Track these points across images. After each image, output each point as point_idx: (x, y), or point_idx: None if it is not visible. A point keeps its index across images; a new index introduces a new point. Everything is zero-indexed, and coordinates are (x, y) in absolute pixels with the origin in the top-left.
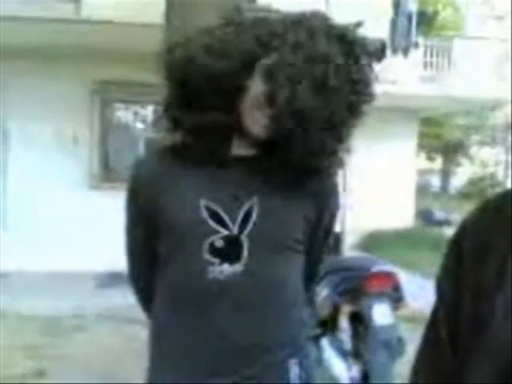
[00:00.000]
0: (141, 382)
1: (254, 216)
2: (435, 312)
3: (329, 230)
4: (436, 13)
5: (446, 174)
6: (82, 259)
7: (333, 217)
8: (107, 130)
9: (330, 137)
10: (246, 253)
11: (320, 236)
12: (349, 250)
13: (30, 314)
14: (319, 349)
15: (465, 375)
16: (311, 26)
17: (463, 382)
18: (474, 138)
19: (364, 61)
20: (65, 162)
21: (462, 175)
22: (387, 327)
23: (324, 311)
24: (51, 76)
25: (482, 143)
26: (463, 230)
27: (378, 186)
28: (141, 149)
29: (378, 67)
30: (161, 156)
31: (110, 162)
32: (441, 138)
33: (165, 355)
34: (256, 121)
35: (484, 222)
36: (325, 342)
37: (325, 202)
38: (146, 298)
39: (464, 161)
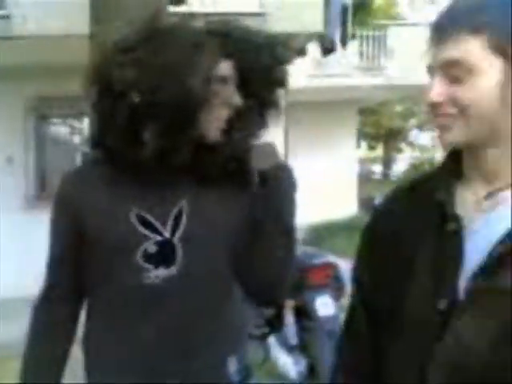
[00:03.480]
0: None
1: (184, 218)
2: (352, 307)
3: (283, 215)
4: (369, 3)
5: (387, 161)
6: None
7: (288, 203)
8: (43, 147)
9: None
10: (180, 255)
11: (272, 221)
12: (298, 245)
13: None
14: (266, 347)
15: (384, 360)
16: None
17: (383, 369)
18: (413, 123)
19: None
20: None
21: (402, 161)
22: (331, 318)
23: (269, 309)
24: None
25: (421, 128)
26: (375, 217)
27: (320, 179)
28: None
29: (311, 60)
30: (88, 169)
31: (47, 180)
32: (380, 126)
33: (104, 368)
34: (212, 124)
35: (395, 208)
36: (272, 340)
37: (258, 192)
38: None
39: (404, 147)
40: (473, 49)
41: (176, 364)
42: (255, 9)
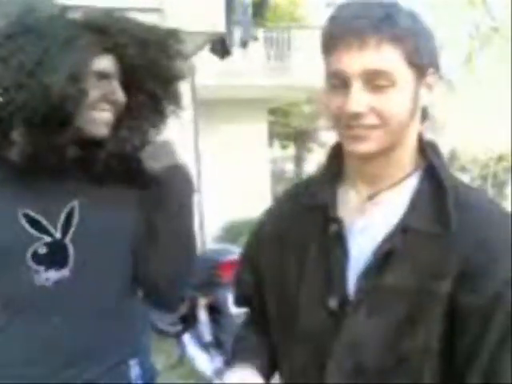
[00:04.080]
0: None
1: (75, 218)
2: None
3: (173, 217)
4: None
5: (298, 161)
6: None
7: (179, 205)
8: None
9: (154, 128)
10: (72, 256)
11: (164, 223)
12: (212, 243)
13: None
14: (181, 346)
15: (283, 359)
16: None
17: (283, 367)
18: (320, 124)
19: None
20: None
21: (312, 160)
22: (243, 314)
23: (182, 307)
24: None
25: (329, 128)
26: (264, 220)
27: (234, 179)
28: None
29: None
30: None
31: None
32: (289, 126)
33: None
34: (95, 122)
35: (282, 211)
36: (186, 338)
37: (151, 192)
38: None
39: (315, 147)
40: (394, 59)
41: (74, 367)
42: (155, 5)
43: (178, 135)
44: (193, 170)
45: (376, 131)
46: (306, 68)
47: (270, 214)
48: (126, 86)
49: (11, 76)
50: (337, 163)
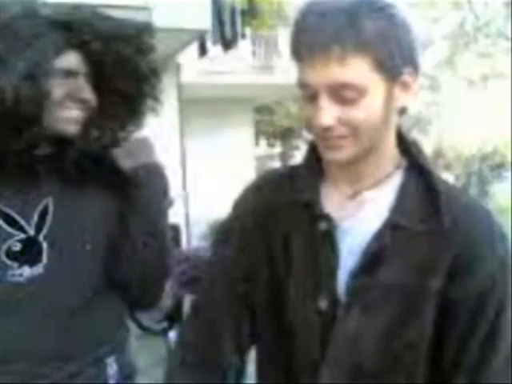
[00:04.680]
0: None
1: (49, 216)
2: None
3: (144, 216)
4: (256, 6)
5: (284, 158)
6: None
7: (149, 204)
8: None
9: (129, 126)
10: (45, 254)
11: (135, 223)
12: (197, 241)
13: None
14: (167, 343)
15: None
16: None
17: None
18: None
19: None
20: None
21: (298, 158)
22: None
23: (168, 304)
24: None
25: None
26: (236, 208)
27: (219, 177)
28: None
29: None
30: None
31: None
32: (275, 125)
33: None
34: (64, 120)
35: (265, 202)
36: (172, 335)
37: (124, 191)
38: None
39: (301, 144)
40: (360, 69)
41: (48, 365)
42: (140, 2)
43: (163, 133)
44: (178, 168)
45: (347, 140)
46: (292, 67)
47: (253, 196)
48: (97, 83)
49: None
50: (317, 161)
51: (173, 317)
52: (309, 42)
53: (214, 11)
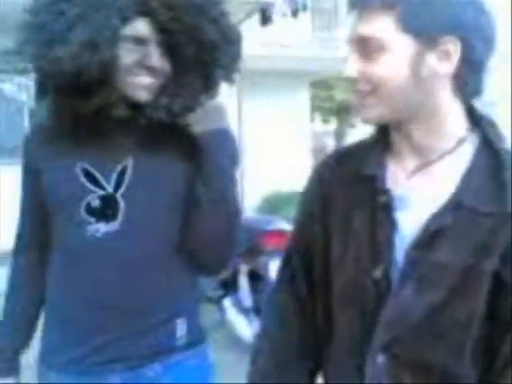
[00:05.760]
0: None
1: (128, 175)
2: (288, 256)
3: (212, 183)
4: None
5: (339, 136)
6: None
7: (216, 170)
8: None
9: (202, 94)
10: (122, 212)
11: (203, 188)
12: (248, 212)
13: None
14: (222, 310)
15: (328, 322)
16: None
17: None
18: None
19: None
20: None
21: (354, 136)
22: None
23: (224, 272)
24: None
25: None
26: (311, 179)
27: (274, 150)
28: (26, 122)
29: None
30: (44, 128)
31: None
32: (333, 100)
33: (52, 318)
34: (135, 86)
35: (327, 175)
36: (227, 303)
37: (194, 156)
38: (31, 257)
39: (357, 122)
40: (383, 25)
41: (121, 319)
42: None
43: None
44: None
45: (369, 98)
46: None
47: (315, 176)
48: (168, 51)
49: (47, 42)
50: (385, 134)
51: (228, 285)
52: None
53: None
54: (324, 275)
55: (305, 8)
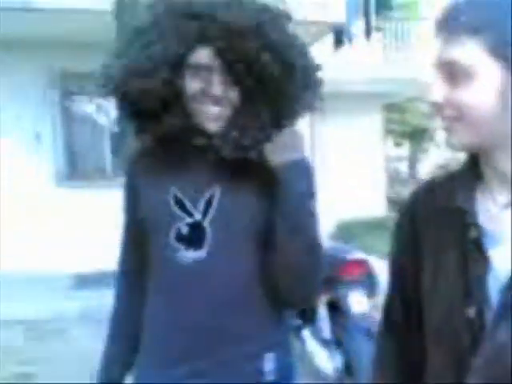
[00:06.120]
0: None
1: (215, 203)
2: (390, 296)
3: (289, 214)
4: None
5: (413, 161)
6: (54, 259)
7: (294, 202)
8: (69, 124)
9: (275, 129)
10: (209, 239)
11: (281, 220)
12: (325, 238)
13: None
14: (301, 340)
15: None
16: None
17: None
18: (439, 122)
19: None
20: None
21: (428, 161)
22: (364, 315)
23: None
24: (3, 67)
25: None
26: (402, 214)
27: (347, 174)
28: (106, 145)
29: (337, 52)
30: (141, 153)
31: (77, 158)
32: (406, 123)
33: (145, 343)
34: (202, 115)
35: (417, 208)
36: (306, 333)
37: (273, 188)
38: (130, 286)
39: (430, 146)
40: (471, 50)
41: (205, 348)
42: None
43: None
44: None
45: (456, 124)
46: (423, 63)
47: (405, 211)
48: (235, 80)
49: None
50: (475, 165)
51: (306, 314)
52: (437, 21)
53: (350, 2)
54: (416, 306)
55: (378, 29)
